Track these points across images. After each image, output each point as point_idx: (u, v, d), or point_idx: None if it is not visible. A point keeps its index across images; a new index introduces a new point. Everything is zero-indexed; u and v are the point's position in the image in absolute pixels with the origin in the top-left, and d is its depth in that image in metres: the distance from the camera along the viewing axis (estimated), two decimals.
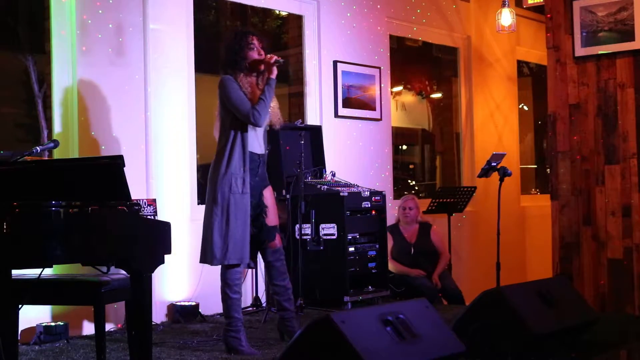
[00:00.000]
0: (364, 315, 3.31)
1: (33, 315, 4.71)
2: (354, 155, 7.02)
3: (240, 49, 4.45)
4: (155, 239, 3.55)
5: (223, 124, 4.46)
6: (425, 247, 6.61)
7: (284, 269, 4.62)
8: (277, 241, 4.60)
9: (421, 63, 9.53)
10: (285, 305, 4.61)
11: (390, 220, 6.70)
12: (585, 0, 6.03)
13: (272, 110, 4.56)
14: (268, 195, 4.59)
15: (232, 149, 4.37)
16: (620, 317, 5.57)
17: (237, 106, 4.36)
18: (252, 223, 4.44)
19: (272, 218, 4.57)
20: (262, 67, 4.49)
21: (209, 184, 4.43)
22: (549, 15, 6.27)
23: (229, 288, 4.40)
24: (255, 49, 4.49)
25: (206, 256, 4.41)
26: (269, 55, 4.50)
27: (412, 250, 6.59)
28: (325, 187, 6.09)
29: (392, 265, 6.56)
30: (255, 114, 4.34)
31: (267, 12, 7.72)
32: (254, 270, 6.02)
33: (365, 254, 6.13)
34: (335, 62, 6.87)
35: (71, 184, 3.42)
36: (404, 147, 10.88)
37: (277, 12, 7.55)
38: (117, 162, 3.34)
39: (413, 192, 9.94)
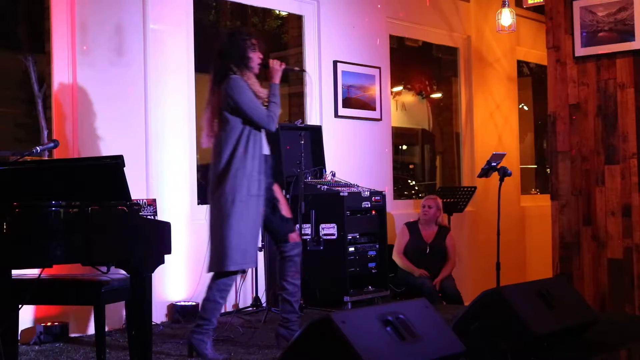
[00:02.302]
0: (364, 315, 3.31)
1: (33, 315, 4.71)
2: (354, 155, 7.02)
3: (246, 49, 4.40)
4: (155, 239, 3.55)
5: (230, 125, 4.32)
6: (439, 249, 6.63)
7: (300, 266, 4.53)
8: (296, 234, 4.55)
9: (421, 63, 9.53)
10: (296, 307, 4.50)
11: (391, 219, 6.70)
12: (585, 0, 6.03)
13: None
14: (277, 189, 4.54)
15: (245, 151, 4.30)
16: (620, 317, 5.57)
17: (251, 109, 4.29)
18: (271, 216, 4.41)
19: (286, 210, 4.51)
20: (268, 71, 4.48)
21: (220, 185, 4.27)
22: (549, 16, 6.27)
23: (219, 293, 4.32)
24: (257, 50, 4.46)
25: (221, 262, 4.26)
26: (275, 60, 4.50)
27: (428, 249, 6.61)
28: (325, 187, 6.09)
29: (399, 260, 6.59)
30: (272, 117, 4.32)
31: (267, 12, 7.72)
32: (254, 270, 6.03)
33: (365, 254, 6.13)
34: (335, 62, 6.87)
35: (71, 184, 3.42)
36: (404, 147, 10.88)
37: (277, 12, 7.56)
38: (117, 162, 3.34)
39: (413, 192, 9.94)
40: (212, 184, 4.36)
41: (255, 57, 4.44)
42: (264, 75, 4.57)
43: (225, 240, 4.24)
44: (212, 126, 4.40)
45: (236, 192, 4.25)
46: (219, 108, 4.36)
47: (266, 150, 4.46)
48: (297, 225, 5.95)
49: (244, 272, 4.38)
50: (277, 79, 4.48)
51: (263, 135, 4.43)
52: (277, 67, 4.48)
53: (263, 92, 4.41)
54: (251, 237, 4.30)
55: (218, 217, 4.29)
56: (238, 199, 4.25)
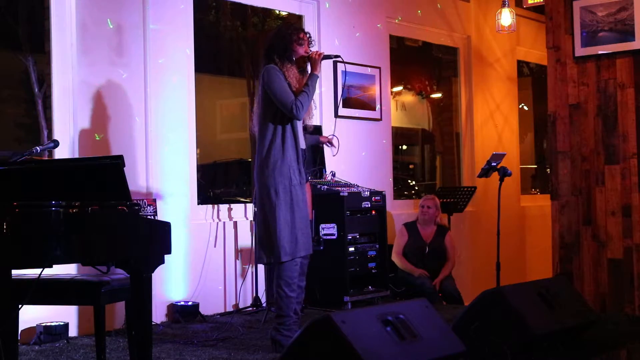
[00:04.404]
0: (364, 315, 3.31)
1: (33, 315, 4.71)
2: (354, 155, 7.02)
3: (291, 41, 4.43)
4: (155, 239, 3.54)
5: (268, 115, 4.39)
6: (438, 249, 6.63)
7: (306, 268, 4.56)
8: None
9: (421, 63, 9.54)
10: (298, 308, 4.50)
11: (391, 219, 6.69)
12: (585, 0, 6.03)
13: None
14: (307, 190, 4.58)
15: (284, 141, 4.34)
16: (620, 317, 5.57)
17: (279, 96, 4.32)
18: None
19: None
20: (307, 64, 4.47)
21: (262, 178, 4.35)
22: (549, 16, 6.27)
23: (287, 286, 4.33)
24: (303, 45, 4.48)
25: (272, 254, 4.32)
26: (314, 50, 4.49)
27: (427, 249, 6.61)
28: (325, 187, 6.09)
29: (398, 261, 6.59)
30: (298, 105, 4.30)
31: (267, 12, 7.72)
32: (254, 270, 6.03)
33: (365, 254, 6.13)
34: (335, 62, 6.86)
35: (71, 184, 3.42)
36: (404, 147, 10.88)
37: (277, 12, 7.55)
38: (117, 162, 3.34)
39: (413, 192, 9.95)
40: (256, 170, 4.43)
41: (301, 51, 4.47)
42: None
43: (275, 233, 4.30)
44: (257, 115, 4.49)
45: (279, 183, 4.32)
46: (260, 98, 4.43)
47: (302, 144, 4.49)
48: None
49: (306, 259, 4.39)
50: (317, 69, 4.44)
51: (300, 127, 4.45)
52: (315, 56, 4.45)
53: (299, 88, 4.40)
54: (301, 226, 4.35)
55: (265, 210, 4.36)
56: (282, 190, 4.32)
